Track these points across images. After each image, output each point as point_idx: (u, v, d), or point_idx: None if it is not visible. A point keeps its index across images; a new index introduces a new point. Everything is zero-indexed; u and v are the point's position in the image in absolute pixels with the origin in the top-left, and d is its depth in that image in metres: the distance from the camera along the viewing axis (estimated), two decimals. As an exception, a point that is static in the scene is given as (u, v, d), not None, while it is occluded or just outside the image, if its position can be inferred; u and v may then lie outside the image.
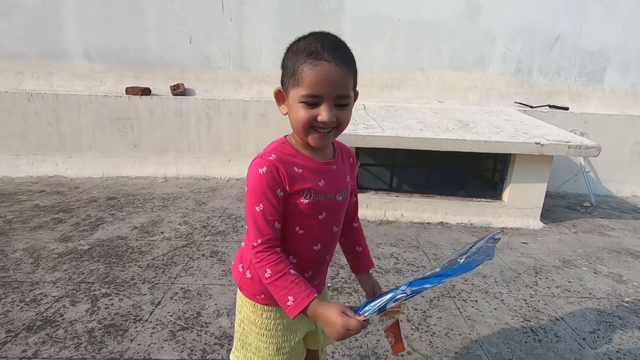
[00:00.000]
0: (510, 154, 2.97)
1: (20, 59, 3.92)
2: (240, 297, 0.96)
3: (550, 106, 3.96)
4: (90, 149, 3.93)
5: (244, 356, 0.96)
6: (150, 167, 3.99)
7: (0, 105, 3.78)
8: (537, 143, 2.71)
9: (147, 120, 3.90)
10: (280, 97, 0.85)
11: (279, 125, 3.82)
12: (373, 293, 1.04)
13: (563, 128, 3.51)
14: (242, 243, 0.98)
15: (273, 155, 0.82)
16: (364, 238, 1.09)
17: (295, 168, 0.83)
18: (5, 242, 2.42)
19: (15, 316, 1.72)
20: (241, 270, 0.94)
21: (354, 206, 1.05)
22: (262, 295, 0.91)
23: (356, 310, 0.77)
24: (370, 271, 1.09)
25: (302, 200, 0.83)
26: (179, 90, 3.92)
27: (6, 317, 1.71)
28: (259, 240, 0.79)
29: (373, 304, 0.77)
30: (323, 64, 0.75)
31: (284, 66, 0.82)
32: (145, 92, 3.89)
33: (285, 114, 0.85)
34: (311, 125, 0.79)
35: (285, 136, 0.89)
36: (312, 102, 0.77)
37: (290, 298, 0.76)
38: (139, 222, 2.79)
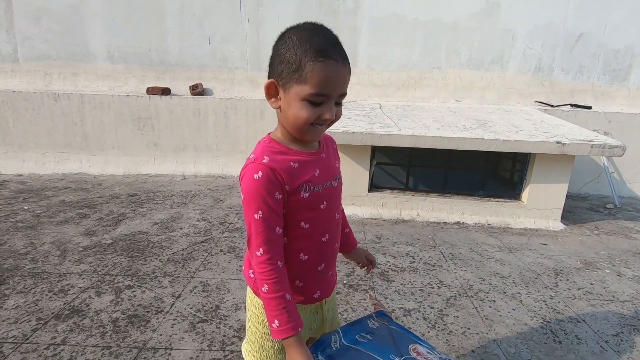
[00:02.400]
0: (530, 154, 2.92)
1: (47, 60, 4.08)
2: (250, 296, 0.97)
3: (572, 105, 3.87)
4: (113, 147, 4.06)
5: (249, 350, 0.98)
6: (169, 165, 4.09)
7: (30, 105, 3.94)
8: (558, 142, 2.66)
9: (166, 120, 4.00)
10: (272, 89, 0.79)
11: (295, 124, 3.85)
12: (368, 261, 1.14)
13: (585, 127, 3.43)
14: (250, 250, 0.98)
15: (266, 157, 0.79)
16: (346, 219, 1.13)
17: (291, 163, 0.81)
18: (35, 235, 2.53)
19: (45, 305, 1.80)
20: (252, 276, 0.93)
21: None
22: None
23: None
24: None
25: (302, 195, 0.82)
26: (197, 90, 4.01)
27: (36, 306, 1.79)
28: (261, 250, 0.78)
29: None
30: (333, 63, 0.74)
31: (283, 59, 0.76)
32: (165, 92, 3.99)
33: (277, 108, 0.81)
34: (311, 123, 0.79)
35: (269, 134, 0.86)
36: (317, 100, 0.76)
37: (276, 322, 0.78)
38: (159, 218, 2.87)
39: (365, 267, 1.16)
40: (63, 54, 4.07)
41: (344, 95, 0.80)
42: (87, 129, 4.01)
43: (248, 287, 0.97)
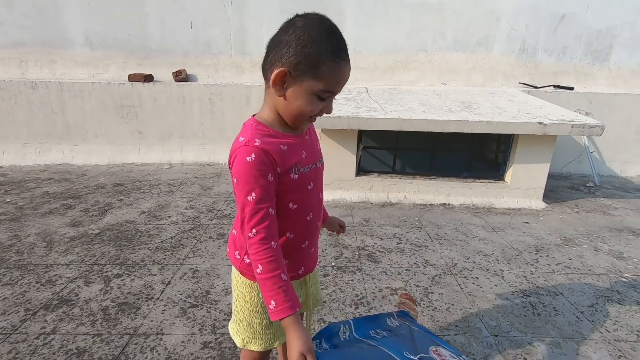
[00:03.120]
0: (513, 135, 2.97)
1: (23, 47, 3.93)
2: (235, 276, 0.99)
3: (555, 86, 3.92)
4: (96, 136, 3.97)
5: (237, 329, 1.01)
6: (155, 154, 4.03)
7: (6, 94, 3.81)
8: (540, 123, 2.71)
9: (150, 107, 3.93)
10: (280, 77, 0.78)
11: (281, 110, 3.82)
12: (339, 227, 1.19)
13: (568, 108, 3.49)
14: (233, 230, 0.99)
15: (257, 140, 0.80)
16: None
17: (281, 146, 0.83)
18: (18, 227, 2.50)
19: (33, 296, 1.79)
20: (239, 257, 0.96)
21: None
22: None
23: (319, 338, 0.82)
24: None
25: (292, 176, 0.85)
26: (181, 77, 3.93)
27: (24, 297, 1.78)
28: (254, 231, 0.78)
29: None
30: (345, 64, 0.79)
31: (300, 52, 0.76)
32: (148, 78, 3.90)
33: (280, 96, 0.80)
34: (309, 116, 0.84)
35: (254, 117, 0.87)
36: (324, 96, 0.80)
37: (272, 302, 0.76)
38: (146, 207, 2.85)
39: (337, 232, 1.22)
40: (39, 40, 3.92)
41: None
42: (68, 118, 3.91)
43: (233, 267, 0.99)
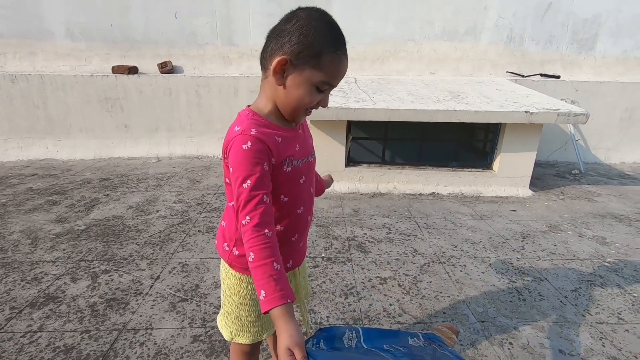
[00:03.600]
0: (501, 124, 2.99)
1: (0, 38, 3.80)
2: (224, 269, 0.98)
3: (541, 75, 3.95)
4: (80, 130, 3.89)
5: (225, 322, 1.01)
6: (142, 148, 3.97)
7: (-16, 88, 3.69)
8: (526, 112, 2.73)
9: (136, 100, 3.85)
10: (281, 65, 0.78)
11: (270, 101, 3.78)
12: (331, 179, 1.26)
13: (554, 97, 3.53)
14: (222, 222, 0.98)
15: (253, 129, 0.79)
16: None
17: (276, 137, 0.83)
18: (2, 224, 2.44)
19: (18, 294, 1.76)
20: (227, 249, 0.95)
21: None
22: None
23: (307, 342, 0.73)
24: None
25: (285, 169, 0.85)
26: (166, 68, 3.85)
27: (9, 295, 1.75)
28: (248, 218, 0.76)
29: None
30: (344, 59, 0.80)
31: (303, 41, 0.76)
32: (132, 70, 3.81)
33: (279, 85, 0.80)
34: (307, 108, 0.84)
35: (249, 107, 0.86)
36: (323, 88, 0.81)
37: (263, 292, 0.72)
38: (133, 202, 2.82)
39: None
40: (17, 31, 3.79)
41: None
42: (50, 112, 3.81)
43: (222, 260, 0.99)
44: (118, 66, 3.80)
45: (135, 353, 1.43)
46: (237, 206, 0.78)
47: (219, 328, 1.03)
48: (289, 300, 0.71)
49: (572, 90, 3.84)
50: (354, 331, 0.78)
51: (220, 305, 1.69)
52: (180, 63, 3.99)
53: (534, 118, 2.75)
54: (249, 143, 0.78)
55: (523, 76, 3.95)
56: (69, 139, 3.89)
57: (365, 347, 0.75)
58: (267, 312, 0.71)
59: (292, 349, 0.66)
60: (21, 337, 1.50)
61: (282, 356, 0.66)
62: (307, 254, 1.07)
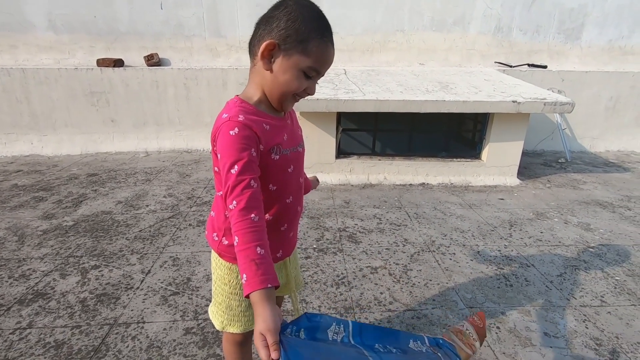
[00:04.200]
0: (489, 114, 3.02)
1: (-22, 31, 3.69)
2: (215, 259, 0.99)
3: (529, 65, 3.99)
4: (66, 125, 3.81)
5: (216, 312, 1.01)
6: (130, 142, 3.91)
7: (-36, 83, 3.59)
8: (514, 101, 2.76)
9: (122, 94, 3.78)
10: (268, 50, 0.79)
11: (259, 93, 3.75)
12: (317, 180, 1.23)
13: (541, 86, 3.57)
14: (212, 212, 0.98)
15: (241, 116, 0.80)
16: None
17: (264, 125, 0.83)
18: (-13, 222, 2.40)
19: (6, 291, 1.74)
20: (217, 239, 0.95)
21: None
22: None
23: (287, 327, 0.69)
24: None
25: (273, 157, 0.85)
26: (153, 61, 3.78)
27: (-4, 293, 1.73)
28: (234, 202, 0.75)
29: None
30: (331, 47, 0.82)
31: (291, 26, 0.77)
32: (118, 63, 3.74)
33: (267, 70, 0.81)
34: (294, 94, 0.84)
35: (237, 96, 0.87)
36: (311, 74, 0.82)
37: (244, 276, 0.71)
38: (122, 197, 2.78)
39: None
40: (-4, 24, 3.68)
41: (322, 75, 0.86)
42: (34, 107, 3.73)
43: (212, 250, 0.99)
44: (103, 59, 3.72)
45: (128, 347, 1.43)
46: (225, 192, 0.78)
47: (211, 318, 1.03)
48: (269, 285, 0.69)
49: (559, 79, 3.89)
50: (342, 325, 0.73)
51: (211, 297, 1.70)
52: (167, 55, 3.92)
53: (522, 108, 2.78)
54: (236, 129, 0.78)
55: (511, 66, 3.98)
56: (54, 134, 3.82)
57: (353, 342, 0.70)
58: (247, 296, 0.69)
59: (264, 334, 0.65)
60: (10, 334, 1.49)
61: (255, 340, 0.65)
62: (298, 246, 1.08)
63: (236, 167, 0.77)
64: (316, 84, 0.87)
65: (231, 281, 0.97)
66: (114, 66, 3.70)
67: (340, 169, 3.09)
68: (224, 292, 0.98)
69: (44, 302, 1.67)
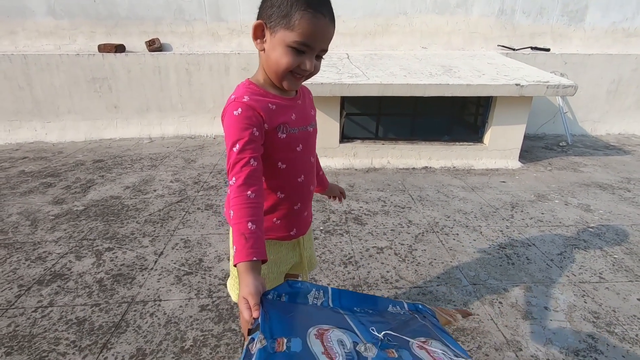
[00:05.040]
0: (492, 97, 3.04)
1: (-23, 17, 3.65)
2: (230, 234, 1.03)
3: (532, 48, 3.98)
4: (69, 112, 3.81)
5: (233, 284, 1.06)
6: (133, 128, 3.92)
7: (-35, 70, 3.57)
8: (517, 84, 2.78)
9: (124, 80, 3.77)
10: (259, 30, 0.82)
11: (262, 78, 3.74)
12: (340, 193, 1.28)
13: (544, 70, 3.57)
14: (228, 190, 1.03)
15: (246, 97, 0.83)
16: (319, 163, 1.21)
17: (269, 104, 0.85)
18: (-1, 207, 2.44)
19: (24, 272, 1.80)
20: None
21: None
22: None
23: (268, 293, 0.71)
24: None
25: (279, 136, 0.88)
26: (154, 46, 3.76)
27: (15, 274, 1.79)
28: (234, 179, 0.79)
29: (270, 322, 0.64)
30: (320, 17, 0.77)
31: (274, 2, 0.78)
32: (119, 49, 3.72)
33: (261, 50, 0.84)
34: (290, 71, 0.83)
35: (248, 79, 0.90)
36: (300, 49, 0.79)
37: (234, 247, 0.76)
38: (130, 182, 2.82)
39: (337, 199, 1.29)
40: (-6, 9, 3.64)
41: (325, 50, 0.84)
42: (36, 94, 3.72)
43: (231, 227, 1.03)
44: (104, 44, 3.70)
45: (147, 323, 1.49)
46: (227, 168, 0.82)
47: (228, 291, 1.08)
48: (254, 258, 0.73)
49: (562, 62, 3.89)
50: (322, 290, 0.76)
51: (225, 277, 1.76)
52: (169, 40, 3.89)
53: (524, 91, 2.80)
54: (240, 109, 0.81)
55: (514, 49, 3.97)
56: (57, 121, 3.82)
57: (332, 306, 0.74)
58: (235, 266, 0.74)
59: (247, 298, 0.68)
60: (32, 312, 1.55)
61: (239, 304, 0.69)
62: (310, 227, 1.12)
63: (237, 145, 0.80)
64: (318, 62, 0.84)
65: None
66: (116, 52, 3.68)
67: (344, 154, 3.13)
68: None
69: (63, 283, 1.73)
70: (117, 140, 3.82)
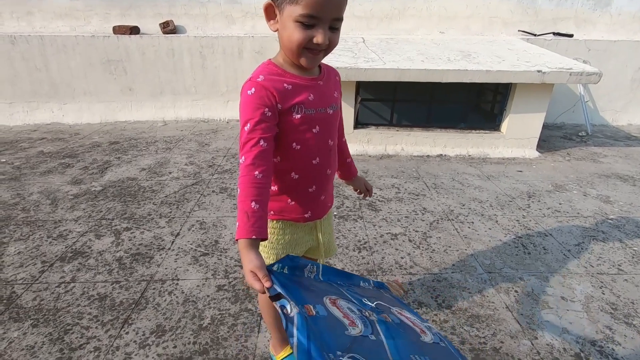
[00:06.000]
0: (511, 85, 2.96)
1: (-5, -3, 3.67)
2: None
3: (554, 34, 3.84)
4: (84, 94, 3.85)
5: None
6: (147, 111, 3.95)
7: (-16, 50, 3.61)
8: (538, 71, 2.69)
9: (139, 62, 3.78)
10: (271, 11, 0.82)
11: (276, 62, 3.71)
12: (366, 189, 1.24)
13: (566, 56, 3.45)
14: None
15: (261, 76, 0.84)
16: (349, 150, 1.22)
17: (285, 84, 0.85)
18: (20, 186, 2.50)
19: (47, 249, 1.85)
20: None
21: (341, 122, 1.12)
22: (272, 212, 0.99)
23: (272, 265, 0.78)
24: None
25: (294, 116, 0.86)
26: (169, 28, 3.74)
27: (38, 251, 1.84)
28: (243, 158, 0.81)
29: (292, 291, 0.71)
30: None
31: None
32: (134, 31, 3.71)
33: (275, 31, 0.84)
34: (305, 47, 0.81)
35: (269, 59, 0.90)
36: (309, 22, 0.77)
37: (237, 223, 0.78)
38: (145, 164, 2.86)
39: (362, 194, 1.26)
40: (11, -11, 3.65)
41: (339, 20, 0.80)
42: (53, 75, 3.76)
43: None
44: (119, 26, 3.69)
45: (165, 300, 1.53)
46: (239, 147, 0.84)
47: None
48: (254, 236, 0.76)
49: (585, 49, 3.75)
50: (315, 266, 0.85)
51: (240, 259, 1.78)
52: (183, 22, 3.87)
53: (546, 78, 2.72)
54: (253, 89, 0.82)
55: (535, 35, 3.84)
56: (73, 103, 3.86)
57: (321, 279, 0.84)
58: (236, 241, 0.78)
59: (254, 271, 0.72)
60: (56, 287, 1.60)
61: (247, 277, 0.73)
62: (328, 212, 1.11)
63: (248, 124, 0.81)
64: (334, 34, 0.81)
65: (271, 237, 1.02)
66: (130, 34, 3.68)
67: (358, 140, 3.10)
68: (264, 247, 1.04)
69: (84, 260, 1.77)
70: (131, 123, 3.85)
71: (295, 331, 0.62)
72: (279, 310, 0.66)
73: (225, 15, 3.85)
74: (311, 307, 0.67)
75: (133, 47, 3.71)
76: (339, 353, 0.60)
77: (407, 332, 0.75)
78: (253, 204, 0.78)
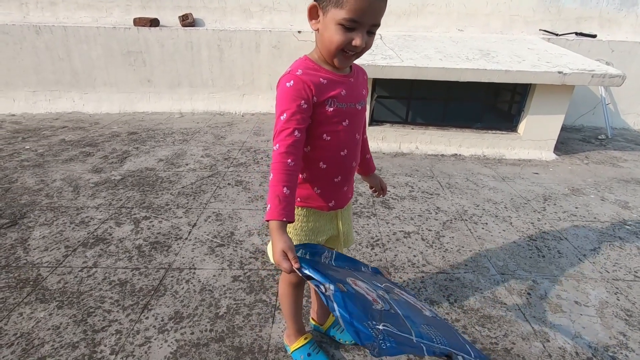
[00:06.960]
0: (530, 85, 2.92)
1: (21, -13, 3.76)
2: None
3: (576, 34, 3.76)
4: (105, 84, 3.93)
5: (271, 249, 1.11)
6: (165, 103, 4.01)
7: (10, 39, 3.72)
8: (559, 72, 2.65)
9: (158, 54, 3.83)
10: (314, 12, 0.87)
11: (292, 57, 3.72)
12: (381, 188, 1.28)
13: (588, 57, 3.38)
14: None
15: (300, 70, 0.89)
16: (369, 147, 1.26)
17: (321, 79, 0.90)
18: (43, 173, 2.58)
19: (70, 235, 1.92)
20: None
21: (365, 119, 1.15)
22: (298, 199, 1.03)
23: (298, 249, 0.86)
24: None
25: (327, 109, 0.92)
26: (187, 21, 3.78)
27: (62, 236, 1.91)
28: (277, 145, 0.87)
29: (320, 273, 0.79)
30: None
31: None
32: (154, 23, 3.77)
33: (316, 30, 0.89)
34: (342, 49, 0.86)
35: (305, 55, 0.95)
36: (350, 26, 0.82)
37: (269, 205, 0.84)
38: (163, 155, 2.91)
39: (377, 192, 1.29)
40: (36, -20, 3.73)
41: (376, 25, 0.86)
42: (75, 65, 3.85)
43: None
44: (140, 18, 3.75)
45: (183, 289, 1.58)
46: (273, 134, 0.89)
47: (268, 255, 1.13)
48: (284, 219, 0.83)
49: (608, 50, 3.67)
50: (330, 252, 0.94)
51: (255, 252, 1.82)
52: (201, 15, 3.90)
53: (567, 79, 2.67)
54: (292, 81, 0.88)
55: (557, 35, 3.77)
56: (94, 93, 3.95)
57: (334, 265, 0.92)
58: (267, 221, 0.84)
59: (285, 251, 0.80)
60: (79, 271, 1.66)
61: (277, 256, 0.81)
62: (349, 202, 1.14)
63: (285, 114, 0.87)
64: (370, 38, 0.86)
65: (295, 223, 1.05)
66: (150, 26, 3.73)
67: (373, 137, 3.10)
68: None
69: (105, 246, 1.84)
70: (149, 114, 3.92)
71: (335, 306, 0.70)
72: (316, 289, 0.75)
73: (244, 9, 3.87)
74: (341, 285, 0.75)
75: (152, 39, 3.77)
76: (374, 322, 0.69)
77: (411, 308, 0.86)
78: (285, 189, 0.84)
